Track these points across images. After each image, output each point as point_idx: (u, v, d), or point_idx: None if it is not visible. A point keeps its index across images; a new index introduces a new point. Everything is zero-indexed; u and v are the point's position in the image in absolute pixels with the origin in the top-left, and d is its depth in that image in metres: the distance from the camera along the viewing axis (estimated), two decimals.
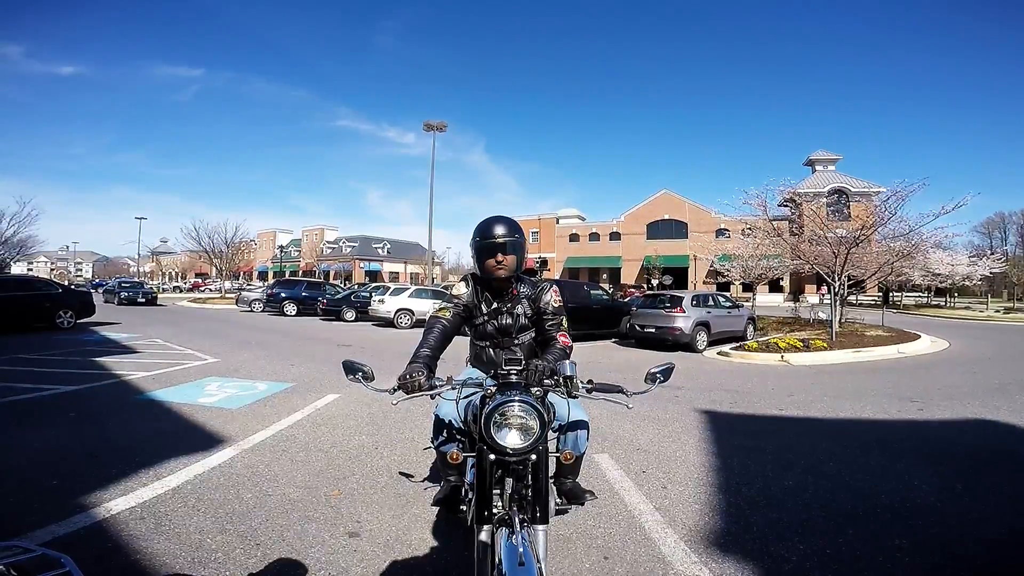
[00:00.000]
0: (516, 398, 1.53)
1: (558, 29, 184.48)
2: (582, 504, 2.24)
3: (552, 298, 2.19)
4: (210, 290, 46.05)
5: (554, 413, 1.87)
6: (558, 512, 2.12)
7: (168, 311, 22.39)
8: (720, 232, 39.93)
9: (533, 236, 49.09)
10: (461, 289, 2.23)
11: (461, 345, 2.39)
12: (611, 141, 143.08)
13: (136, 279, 42.14)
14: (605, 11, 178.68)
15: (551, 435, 1.90)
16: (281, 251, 51.60)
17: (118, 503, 2.85)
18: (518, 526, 1.46)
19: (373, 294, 18.05)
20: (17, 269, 47.67)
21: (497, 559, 1.43)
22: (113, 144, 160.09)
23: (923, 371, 8.63)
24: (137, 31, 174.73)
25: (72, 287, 19.14)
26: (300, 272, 58.08)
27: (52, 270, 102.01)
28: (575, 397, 1.69)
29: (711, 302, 12.37)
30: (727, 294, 18.77)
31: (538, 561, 1.42)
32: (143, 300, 25.68)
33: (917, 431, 4.81)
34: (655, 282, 37.21)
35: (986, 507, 3.01)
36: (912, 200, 12.96)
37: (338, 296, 20.83)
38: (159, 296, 29.17)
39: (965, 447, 4.28)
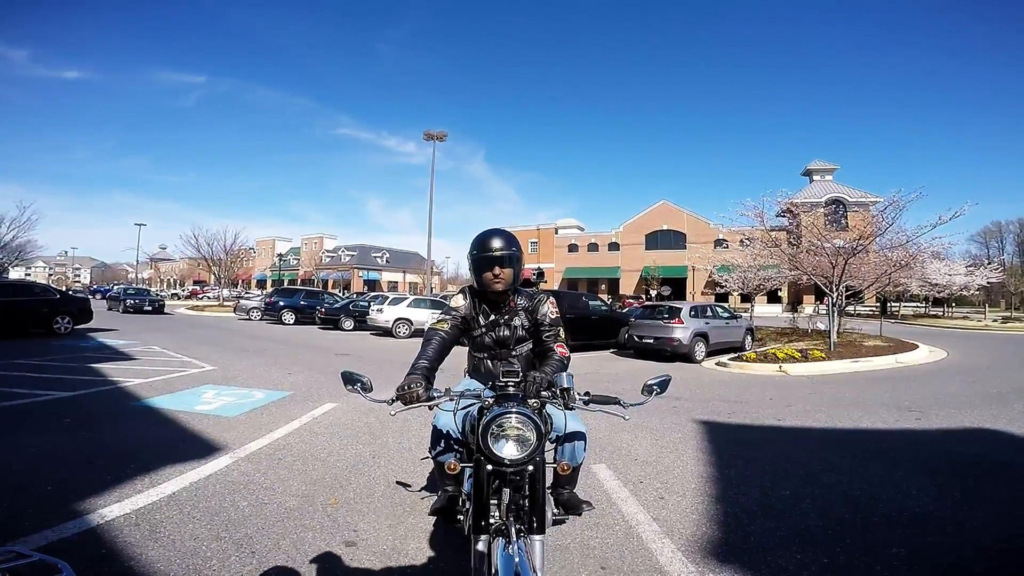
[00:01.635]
0: (513, 410, 1.54)
1: (559, 40, 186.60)
2: (579, 514, 2.24)
3: (549, 309, 2.20)
4: (208, 298, 45.96)
5: (551, 424, 1.88)
6: (555, 522, 2.12)
7: (166, 318, 22.33)
8: (718, 243, 40.08)
9: (532, 246, 49.20)
10: (459, 301, 2.25)
11: (460, 355, 2.41)
12: (610, 151, 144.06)
13: (142, 286, 41.93)
14: (605, 22, 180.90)
15: (548, 446, 1.90)
16: (280, 259, 51.65)
17: (113, 509, 2.83)
18: (515, 536, 1.46)
19: (371, 303, 18.05)
20: (15, 274, 47.61)
21: (494, 569, 1.43)
22: (114, 149, 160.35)
23: (921, 381, 8.63)
24: (141, 37, 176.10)
25: (70, 293, 19.10)
26: (299, 280, 58.05)
27: (50, 275, 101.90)
28: (572, 409, 1.69)
29: (709, 313, 12.39)
30: (725, 305, 18.81)
31: (534, 571, 1.42)
32: (150, 308, 24.59)
33: (915, 440, 4.80)
34: (653, 293, 37.26)
35: (985, 516, 3.00)
36: (909, 210, 13.08)
37: (336, 305, 20.81)
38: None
39: (963, 456, 4.27)
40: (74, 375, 7.12)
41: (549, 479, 1.90)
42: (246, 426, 4.76)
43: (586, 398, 1.71)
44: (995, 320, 28.50)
